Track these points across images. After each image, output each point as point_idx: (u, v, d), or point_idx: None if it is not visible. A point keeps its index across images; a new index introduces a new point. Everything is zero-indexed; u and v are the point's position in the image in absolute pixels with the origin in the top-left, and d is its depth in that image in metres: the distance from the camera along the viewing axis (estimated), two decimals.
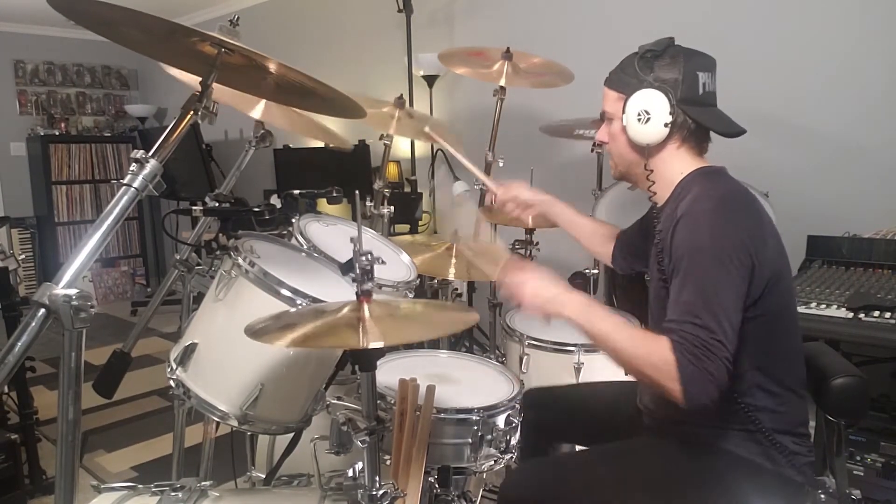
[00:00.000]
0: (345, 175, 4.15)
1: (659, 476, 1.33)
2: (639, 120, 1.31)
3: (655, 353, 1.16)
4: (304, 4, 4.66)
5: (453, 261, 2.11)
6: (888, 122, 2.36)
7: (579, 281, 2.51)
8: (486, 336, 3.06)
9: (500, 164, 2.76)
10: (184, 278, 1.88)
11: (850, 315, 1.76)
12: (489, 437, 1.52)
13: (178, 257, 1.88)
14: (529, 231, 2.62)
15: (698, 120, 1.32)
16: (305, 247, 1.65)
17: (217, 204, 1.62)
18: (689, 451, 1.33)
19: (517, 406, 1.57)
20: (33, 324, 0.98)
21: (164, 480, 1.36)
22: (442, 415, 1.50)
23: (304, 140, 4.60)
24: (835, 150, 2.48)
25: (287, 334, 1.07)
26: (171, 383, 1.42)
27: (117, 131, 6.19)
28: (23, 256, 5.35)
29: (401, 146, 3.87)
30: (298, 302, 1.34)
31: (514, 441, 1.58)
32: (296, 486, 1.56)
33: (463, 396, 1.59)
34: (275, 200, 1.72)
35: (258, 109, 2.12)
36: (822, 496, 1.29)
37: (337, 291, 1.36)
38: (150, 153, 1.10)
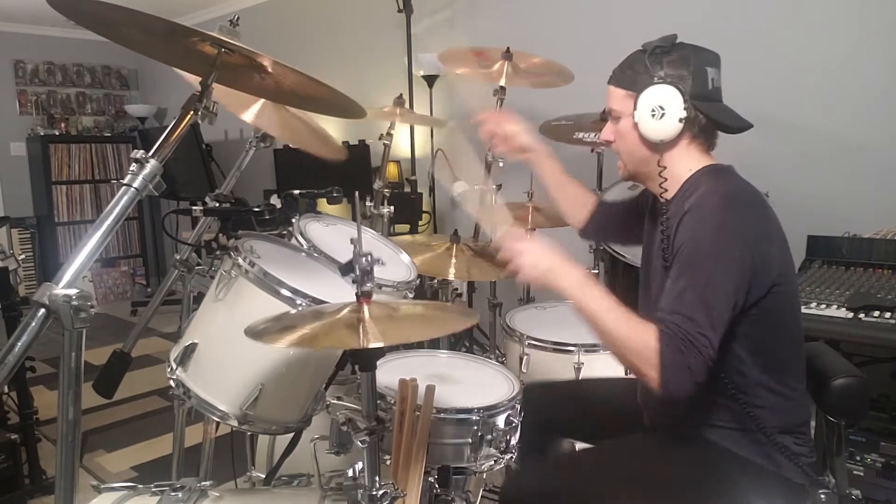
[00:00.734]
0: (345, 175, 4.13)
1: (659, 476, 1.33)
2: (653, 116, 1.29)
3: (640, 338, 1.16)
4: (304, 4, 4.66)
5: (453, 261, 2.11)
6: (888, 122, 2.36)
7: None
8: (486, 336, 3.06)
9: (500, 164, 2.76)
10: (184, 278, 1.88)
11: (850, 315, 1.76)
12: (489, 437, 1.52)
13: (178, 257, 1.88)
14: (530, 230, 2.62)
15: (710, 115, 1.31)
16: (305, 247, 1.65)
17: (217, 204, 1.62)
18: (689, 450, 1.33)
19: (517, 406, 1.57)
20: (33, 324, 0.98)
21: (164, 480, 1.36)
22: (442, 415, 1.50)
23: None
24: (835, 149, 2.48)
25: (287, 335, 1.07)
26: (171, 383, 1.42)
27: (117, 131, 6.19)
28: (23, 256, 5.35)
29: (401, 146, 3.86)
30: (298, 302, 1.34)
31: (514, 441, 1.58)
32: (296, 486, 1.56)
33: (463, 396, 1.59)
34: (275, 200, 1.72)
35: (250, 113, 2.11)
36: (823, 496, 1.29)
37: (337, 291, 1.36)
38: (150, 153, 1.10)
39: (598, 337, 1.26)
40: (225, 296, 1.41)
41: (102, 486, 1.35)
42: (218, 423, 1.62)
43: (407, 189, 3.88)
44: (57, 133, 5.75)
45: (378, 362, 1.21)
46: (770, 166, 2.54)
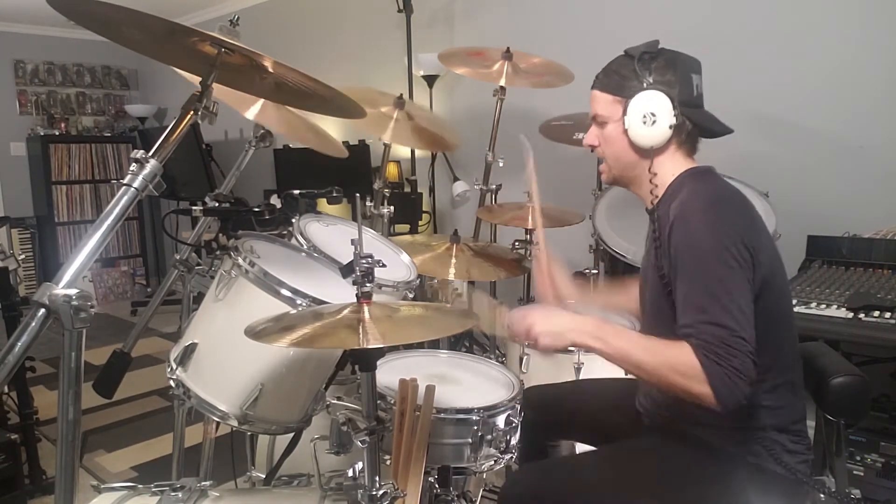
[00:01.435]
0: (345, 175, 4.14)
1: (658, 477, 1.33)
2: (644, 122, 1.30)
3: (679, 360, 1.15)
4: (304, 4, 4.66)
5: (453, 261, 2.11)
6: (888, 122, 2.36)
7: (579, 281, 2.50)
8: (486, 336, 3.06)
9: (501, 164, 2.76)
10: (184, 278, 1.88)
11: (850, 315, 1.76)
12: (489, 437, 1.52)
13: (178, 257, 1.88)
14: (529, 230, 2.62)
15: (696, 121, 1.33)
16: (305, 247, 1.65)
17: (217, 204, 1.62)
18: (688, 451, 1.33)
19: (517, 406, 1.57)
20: (33, 324, 0.98)
21: (164, 480, 1.36)
22: (442, 415, 1.50)
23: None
24: (835, 149, 2.48)
25: (287, 336, 1.07)
26: (171, 383, 1.42)
27: (117, 131, 6.19)
28: (23, 256, 5.34)
29: (401, 146, 3.86)
30: (298, 302, 1.34)
31: (514, 441, 1.57)
32: (296, 486, 1.56)
33: (463, 396, 1.59)
34: (275, 200, 1.72)
35: (253, 111, 2.11)
36: (822, 496, 1.29)
37: (337, 291, 1.36)
38: (150, 153, 1.10)
39: (635, 374, 1.24)
40: (225, 296, 1.41)
41: (102, 486, 1.35)
42: (218, 423, 1.62)
43: (407, 189, 3.88)
44: (57, 133, 5.75)
45: (378, 362, 1.21)
46: (770, 166, 2.54)
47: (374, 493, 1.17)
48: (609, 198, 2.43)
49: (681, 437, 1.34)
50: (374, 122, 2.56)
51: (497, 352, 2.71)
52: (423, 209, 3.85)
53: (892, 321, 1.70)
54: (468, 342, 3.13)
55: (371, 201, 2.63)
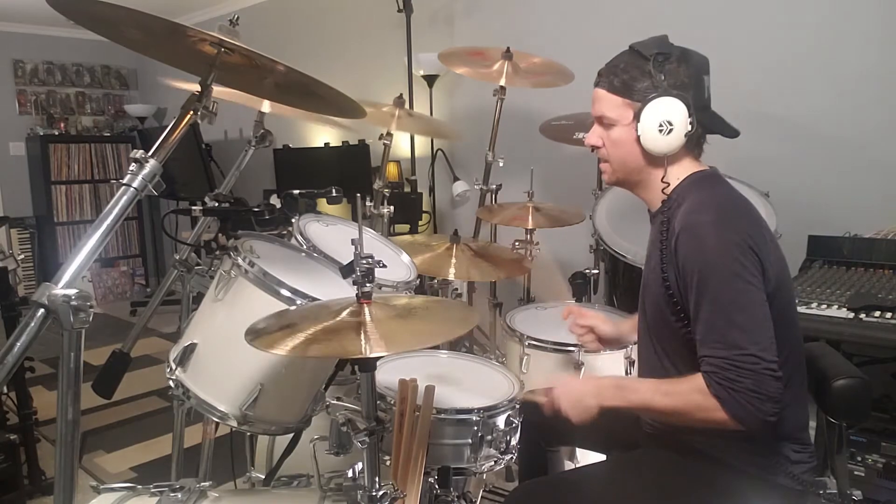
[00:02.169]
0: (345, 175, 4.15)
1: (659, 490, 1.31)
2: (660, 130, 1.26)
3: (693, 395, 1.16)
4: (304, 4, 4.66)
5: (453, 261, 2.11)
6: (889, 122, 2.35)
7: (580, 281, 2.50)
8: (486, 336, 3.06)
9: (501, 164, 2.76)
10: (183, 278, 1.88)
11: (851, 315, 1.75)
12: (489, 437, 1.52)
13: (177, 257, 1.88)
14: (530, 231, 2.62)
15: (708, 126, 1.30)
16: (305, 247, 1.65)
17: (217, 204, 1.62)
18: (688, 463, 1.30)
19: (517, 406, 1.57)
20: (32, 324, 0.98)
21: (163, 481, 1.36)
22: (442, 415, 1.49)
23: (305, 140, 4.60)
24: (835, 149, 2.48)
25: (287, 340, 1.06)
26: (171, 383, 1.41)
27: (117, 131, 6.19)
28: (22, 256, 5.34)
29: (401, 146, 3.86)
30: (298, 302, 1.34)
31: (514, 441, 1.57)
32: (295, 486, 1.56)
33: (463, 397, 1.59)
34: (275, 200, 1.72)
35: (267, 103, 2.11)
36: (824, 502, 1.29)
37: (337, 291, 1.36)
38: (150, 153, 1.10)
39: (660, 419, 1.29)
40: (224, 296, 1.41)
41: (102, 487, 1.34)
42: (217, 424, 1.61)
43: (407, 189, 3.88)
44: (56, 133, 5.75)
45: (378, 362, 1.21)
46: (770, 166, 2.54)
47: (373, 493, 1.17)
48: (609, 198, 2.43)
49: (681, 449, 1.31)
50: (377, 119, 2.56)
51: (497, 352, 2.71)
52: (423, 209, 3.85)
53: (894, 321, 1.70)
54: (468, 342, 3.12)
55: (371, 201, 2.62)
